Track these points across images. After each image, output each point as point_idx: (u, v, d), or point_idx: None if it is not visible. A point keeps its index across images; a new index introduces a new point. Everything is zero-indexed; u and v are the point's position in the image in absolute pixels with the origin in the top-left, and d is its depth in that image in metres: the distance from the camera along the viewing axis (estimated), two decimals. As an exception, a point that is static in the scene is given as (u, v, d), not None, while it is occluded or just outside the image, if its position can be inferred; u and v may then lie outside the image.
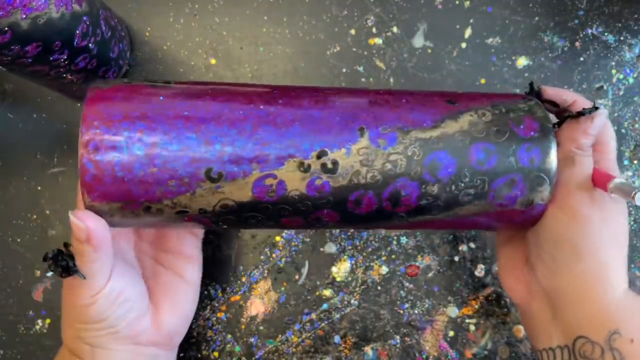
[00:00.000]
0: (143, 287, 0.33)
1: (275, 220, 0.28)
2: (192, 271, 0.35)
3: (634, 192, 0.27)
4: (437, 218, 0.29)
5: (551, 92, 0.32)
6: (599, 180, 0.29)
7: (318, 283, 0.41)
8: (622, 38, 0.43)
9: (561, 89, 0.33)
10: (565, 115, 0.31)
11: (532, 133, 0.29)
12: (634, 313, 0.29)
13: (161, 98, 0.26)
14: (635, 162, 0.37)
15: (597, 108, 0.30)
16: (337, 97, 0.29)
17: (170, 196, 0.26)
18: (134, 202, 0.26)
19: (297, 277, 0.41)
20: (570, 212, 0.29)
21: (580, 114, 0.30)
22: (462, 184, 0.28)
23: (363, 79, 0.43)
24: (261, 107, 0.27)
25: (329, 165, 0.26)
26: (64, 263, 0.28)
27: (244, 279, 0.41)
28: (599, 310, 0.29)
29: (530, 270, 0.33)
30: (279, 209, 0.27)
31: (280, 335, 0.41)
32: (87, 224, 0.27)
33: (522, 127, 0.29)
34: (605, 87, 0.43)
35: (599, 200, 0.29)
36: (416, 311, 0.41)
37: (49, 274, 0.29)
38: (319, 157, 0.26)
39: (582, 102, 0.31)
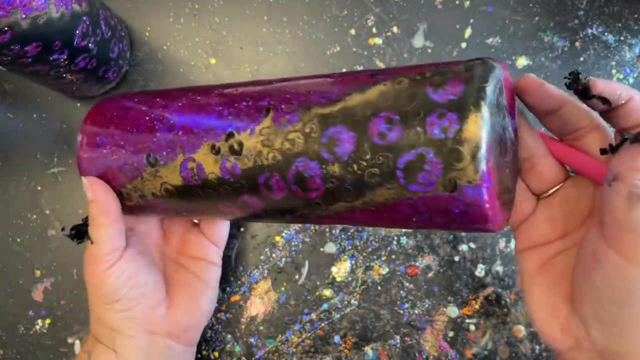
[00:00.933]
0: (160, 279, 0.35)
1: (212, 206, 0.29)
2: (210, 274, 0.37)
3: None
4: (357, 206, 0.25)
5: (603, 85, 0.24)
6: None
7: (318, 283, 0.41)
8: (622, 38, 0.43)
9: (614, 82, 0.25)
10: (623, 136, 0.24)
11: (451, 96, 0.22)
12: None
13: (128, 104, 0.32)
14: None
15: None
16: (262, 83, 0.29)
17: (128, 180, 0.30)
18: (112, 186, 0.32)
19: (297, 277, 0.41)
20: None
21: None
22: (364, 163, 0.23)
23: (363, 79, 0.43)
24: (188, 98, 0.30)
25: (235, 147, 0.27)
26: (79, 229, 0.33)
27: (244, 279, 0.41)
28: None
29: (579, 324, 0.26)
30: (207, 194, 0.28)
31: (280, 335, 0.41)
32: (94, 187, 0.31)
33: (441, 90, 0.23)
34: (605, 87, 0.42)
35: None
36: (416, 311, 0.41)
37: (67, 234, 0.34)
38: (227, 139, 0.27)
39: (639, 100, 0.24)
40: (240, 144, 0.27)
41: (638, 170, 0.22)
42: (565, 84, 0.26)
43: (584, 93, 0.25)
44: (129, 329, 0.33)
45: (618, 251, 0.23)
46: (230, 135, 0.27)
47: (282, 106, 0.26)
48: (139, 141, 0.30)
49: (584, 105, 0.26)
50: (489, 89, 0.22)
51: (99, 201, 0.31)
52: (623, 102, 0.24)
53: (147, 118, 0.30)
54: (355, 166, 0.24)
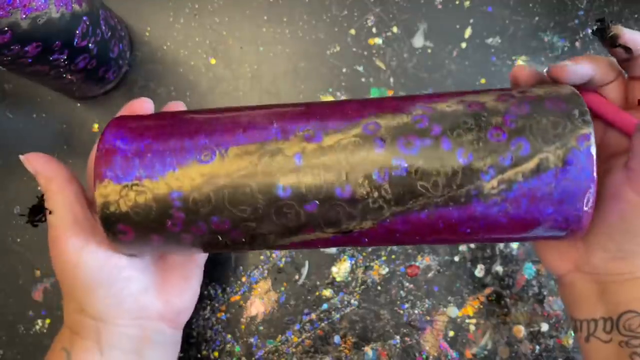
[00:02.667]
0: (146, 260, 0.33)
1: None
2: (200, 255, 0.35)
3: None
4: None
5: (628, 36, 0.27)
6: None
7: (318, 283, 0.41)
8: (622, 38, 0.43)
9: (638, 32, 0.27)
10: None
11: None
12: None
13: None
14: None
15: None
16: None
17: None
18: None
19: (297, 277, 0.41)
20: None
21: None
22: None
23: (363, 79, 0.43)
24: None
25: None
26: (34, 206, 0.31)
27: (244, 279, 0.41)
28: None
29: (583, 252, 0.30)
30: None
31: (280, 335, 0.41)
32: (31, 160, 0.30)
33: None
34: (605, 87, 0.43)
35: None
36: (416, 311, 0.41)
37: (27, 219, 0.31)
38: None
39: None
40: None
41: None
42: (592, 31, 0.28)
43: (611, 41, 0.27)
44: (118, 317, 0.30)
45: (638, 191, 0.26)
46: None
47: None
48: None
49: (610, 59, 0.28)
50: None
51: (43, 171, 0.30)
52: None
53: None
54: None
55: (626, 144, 0.29)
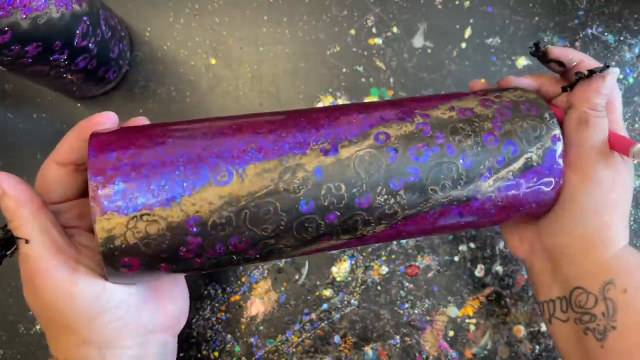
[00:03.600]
0: None
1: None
2: None
3: None
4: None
5: (558, 51, 0.32)
6: (619, 144, 0.29)
7: (318, 283, 0.41)
8: (622, 38, 0.43)
9: (568, 48, 0.32)
10: (577, 75, 0.30)
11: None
12: (629, 266, 0.29)
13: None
14: (636, 162, 0.37)
15: (608, 67, 0.30)
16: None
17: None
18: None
19: (297, 277, 0.41)
20: (583, 174, 0.29)
21: (592, 72, 0.30)
22: None
23: (363, 79, 0.43)
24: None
25: None
26: (2, 237, 0.26)
27: (244, 279, 0.41)
28: (596, 264, 0.30)
29: (534, 230, 0.33)
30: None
31: (280, 335, 0.41)
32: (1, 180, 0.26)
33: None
34: (605, 87, 0.43)
35: (613, 164, 0.29)
36: (416, 311, 0.41)
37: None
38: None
39: (588, 62, 0.31)
40: None
41: (586, 100, 0.30)
42: (530, 52, 0.33)
43: (543, 58, 0.32)
44: (126, 339, 0.28)
45: (566, 163, 0.30)
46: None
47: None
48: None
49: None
50: None
51: (13, 193, 0.26)
52: (574, 64, 0.31)
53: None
54: None
55: None
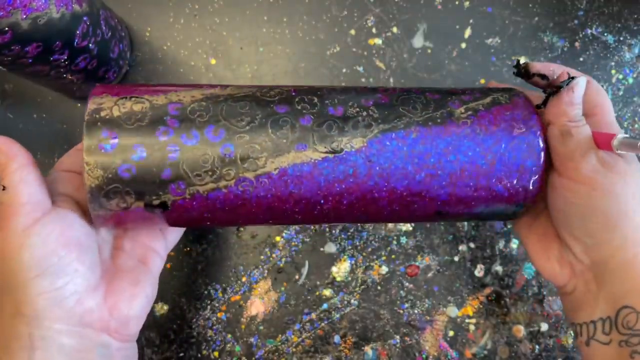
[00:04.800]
0: (96, 258, 0.30)
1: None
2: (155, 263, 0.32)
3: None
4: None
5: (539, 66, 0.32)
6: (603, 142, 0.29)
7: (318, 283, 0.41)
8: (621, 38, 0.43)
9: (548, 63, 0.32)
10: (546, 92, 0.31)
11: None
12: None
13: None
14: (625, 153, 0.37)
15: (573, 78, 0.30)
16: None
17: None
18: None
19: (297, 277, 0.41)
20: (588, 182, 0.29)
21: (559, 87, 0.30)
22: None
23: (363, 79, 0.43)
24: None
25: None
26: None
27: (244, 279, 0.41)
28: None
29: (568, 251, 0.32)
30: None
31: (280, 335, 0.41)
32: None
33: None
34: (604, 87, 0.43)
35: (610, 163, 0.29)
36: (416, 311, 0.41)
37: None
38: None
39: (571, 74, 0.31)
40: None
41: (562, 113, 0.30)
42: (513, 73, 0.34)
43: (526, 74, 0.33)
44: (57, 319, 0.26)
45: (564, 175, 0.30)
46: None
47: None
48: None
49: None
50: None
51: (4, 148, 0.28)
52: (556, 77, 0.31)
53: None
54: None
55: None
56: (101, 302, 0.29)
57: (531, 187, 0.30)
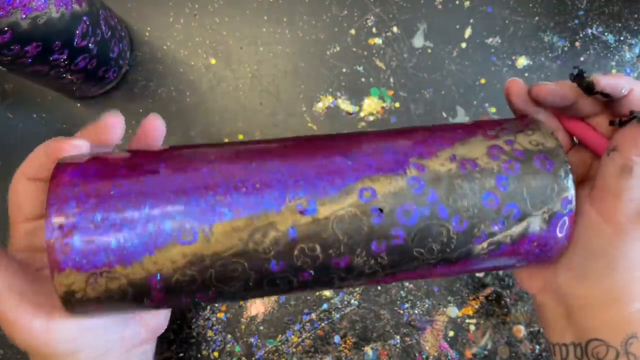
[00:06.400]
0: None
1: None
2: None
3: None
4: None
5: (605, 82, 0.27)
6: None
7: (318, 283, 0.41)
8: (622, 38, 0.43)
9: (616, 75, 0.27)
10: (632, 114, 0.27)
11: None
12: None
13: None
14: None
15: None
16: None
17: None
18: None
19: (297, 277, 0.41)
20: (619, 228, 0.26)
21: None
22: None
23: (363, 79, 0.43)
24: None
25: None
26: None
27: (244, 279, 0.41)
28: (619, 318, 0.28)
29: (551, 271, 0.30)
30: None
31: (280, 335, 0.41)
32: None
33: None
34: (605, 87, 0.43)
35: None
36: (416, 311, 0.41)
37: None
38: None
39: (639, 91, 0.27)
40: None
41: (637, 146, 0.26)
42: (570, 78, 0.28)
43: (588, 89, 0.27)
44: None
45: (599, 211, 0.27)
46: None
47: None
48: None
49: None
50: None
51: None
52: (625, 93, 0.27)
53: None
54: None
55: (596, 167, 0.30)
56: (137, 326, 0.30)
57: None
